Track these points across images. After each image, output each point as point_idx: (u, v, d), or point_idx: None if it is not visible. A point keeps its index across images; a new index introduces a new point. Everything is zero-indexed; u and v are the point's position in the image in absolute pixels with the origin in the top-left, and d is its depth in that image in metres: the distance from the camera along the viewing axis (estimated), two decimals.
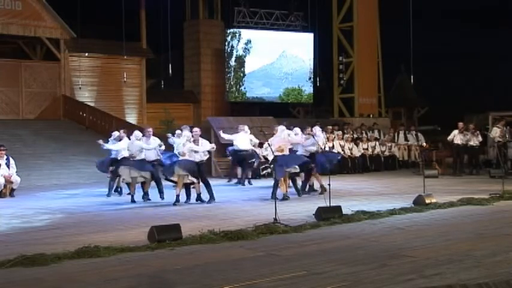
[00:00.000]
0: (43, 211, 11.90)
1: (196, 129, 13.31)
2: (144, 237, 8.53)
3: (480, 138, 19.19)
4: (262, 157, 17.32)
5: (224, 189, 15.69)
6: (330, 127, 20.65)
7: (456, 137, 19.01)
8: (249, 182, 16.84)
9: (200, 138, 13.06)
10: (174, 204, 12.47)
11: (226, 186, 16.63)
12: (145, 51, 25.45)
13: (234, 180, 17.20)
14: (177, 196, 12.59)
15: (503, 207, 11.59)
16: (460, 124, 19.15)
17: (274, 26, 26.91)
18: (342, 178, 17.88)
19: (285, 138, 13.35)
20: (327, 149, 14.57)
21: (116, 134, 15.03)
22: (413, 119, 31.51)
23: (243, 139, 16.77)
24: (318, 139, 14.06)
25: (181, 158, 12.88)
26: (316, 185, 14.29)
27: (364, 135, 22.31)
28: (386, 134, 22.98)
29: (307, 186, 14.29)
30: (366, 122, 24.83)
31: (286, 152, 13.22)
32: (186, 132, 13.73)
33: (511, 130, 19.65)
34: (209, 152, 14.05)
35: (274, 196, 12.07)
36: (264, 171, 18.39)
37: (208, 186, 12.94)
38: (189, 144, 12.91)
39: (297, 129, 14.41)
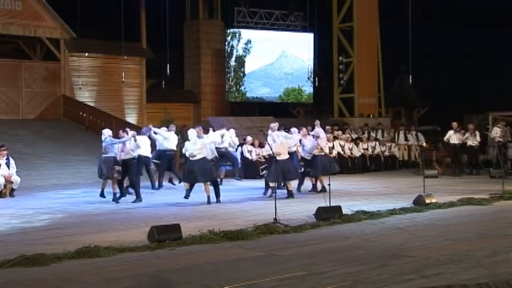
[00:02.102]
0: (43, 211, 11.90)
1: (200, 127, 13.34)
2: (144, 237, 8.53)
3: (479, 138, 19.19)
4: (262, 157, 17.56)
5: (224, 190, 15.68)
6: (329, 127, 20.70)
7: (452, 137, 19.04)
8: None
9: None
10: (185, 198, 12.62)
11: (226, 186, 16.62)
12: (145, 51, 25.43)
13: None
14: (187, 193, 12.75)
15: (503, 207, 11.60)
16: (454, 124, 19.16)
17: (274, 26, 26.91)
18: (342, 178, 17.86)
19: (283, 142, 13.35)
20: (326, 150, 14.61)
21: (108, 132, 13.86)
22: (413, 119, 31.51)
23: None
24: (320, 140, 14.11)
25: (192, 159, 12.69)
26: (318, 186, 14.32)
27: (365, 135, 22.31)
28: (387, 134, 23.00)
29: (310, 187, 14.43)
30: (369, 122, 24.83)
31: (286, 156, 13.19)
32: (192, 130, 13.34)
33: (511, 130, 19.67)
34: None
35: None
36: (263, 172, 18.41)
37: (217, 186, 13.06)
38: (201, 141, 12.78)
39: (294, 129, 14.60)
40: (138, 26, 25.39)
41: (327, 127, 20.64)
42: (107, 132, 13.62)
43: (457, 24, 34.68)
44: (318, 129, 14.65)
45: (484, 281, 6.12)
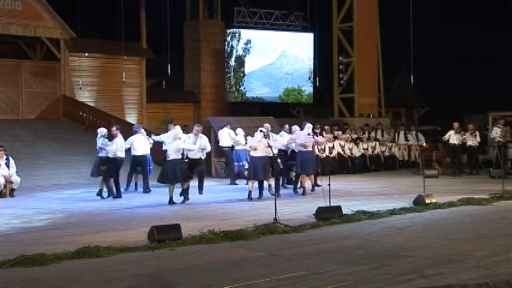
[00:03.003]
0: (43, 211, 11.91)
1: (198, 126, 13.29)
2: (144, 237, 8.53)
3: (479, 139, 19.21)
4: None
5: (224, 190, 15.70)
6: (329, 127, 20.71)
7: (452, 137, 19.04)
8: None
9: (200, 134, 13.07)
10: (170, 203, 12.55)
11: (225, 186, 16.64)
12: (145, 51, 25.44)
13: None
14: (171, 197, 12.67)
15: (503, 207, 11.60)
16: (456, 124, 19.16)
17: (274, 26, 26.88)
18: (342, 178, 17.88)
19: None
20: (326, 152, 14.50)
21: (103, 130, 14.37)
22: (413, 119, 31.50)
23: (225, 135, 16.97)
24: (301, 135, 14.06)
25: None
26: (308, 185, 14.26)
27: (365, 135, 22.31)
28: (387, 134, 23.00)
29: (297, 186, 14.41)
30: (369, 122, 24.82)
31: (262, 154, 12.89)
32: (174, 130, 13.14)
33: (511, 130, 19.67)
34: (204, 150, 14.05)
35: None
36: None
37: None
38: (176, 142, 12.77)
39: (295, 127, 14.68)
40: (138, 26, 25.39)
41: (326, 127, 20.66)
42: (100, 132, 13.95)
43: (458, 24, 34.69)
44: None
45: (484, 281, 6.12)
